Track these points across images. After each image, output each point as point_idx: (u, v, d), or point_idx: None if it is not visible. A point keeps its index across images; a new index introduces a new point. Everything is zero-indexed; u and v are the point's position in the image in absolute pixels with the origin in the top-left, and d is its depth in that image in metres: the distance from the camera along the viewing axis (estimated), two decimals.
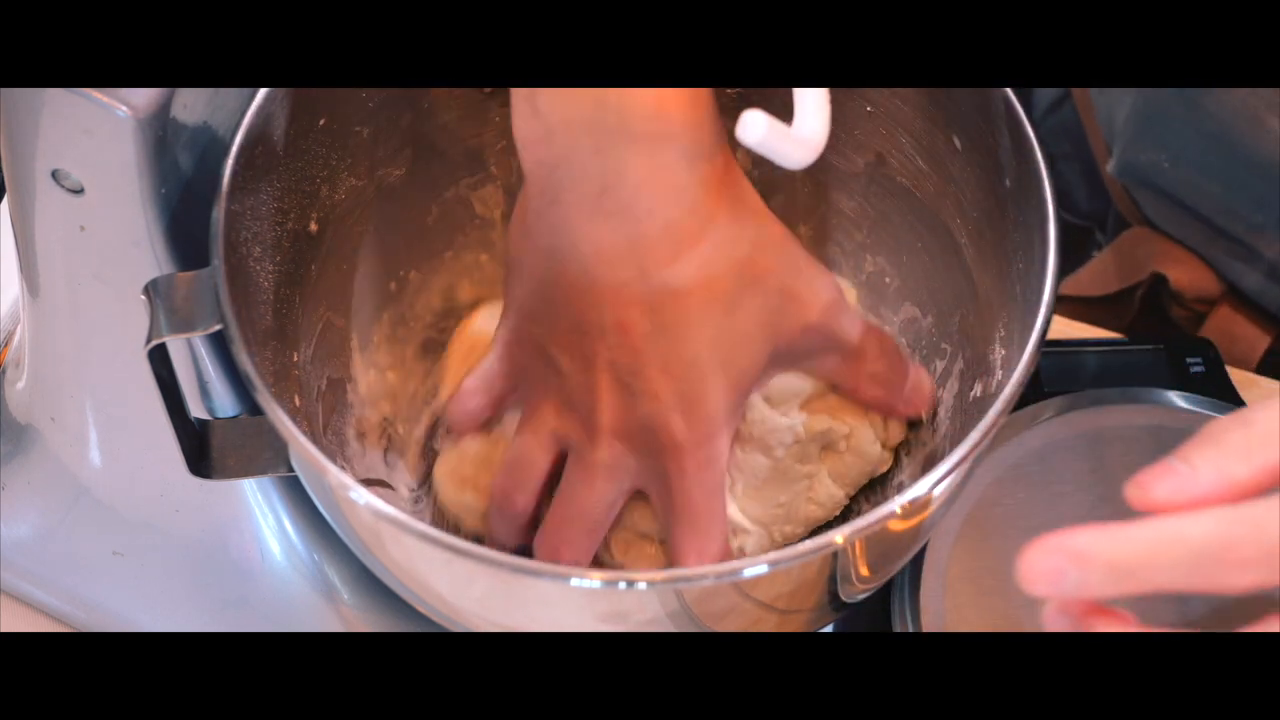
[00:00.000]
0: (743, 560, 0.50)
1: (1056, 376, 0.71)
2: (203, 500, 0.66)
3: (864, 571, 0.55)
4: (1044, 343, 0.54)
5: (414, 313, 0.69)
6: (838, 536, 0.50)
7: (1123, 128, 0.83)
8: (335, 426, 0.65)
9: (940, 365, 0.66)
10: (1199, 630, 0.49)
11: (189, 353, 0.60)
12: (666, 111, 0.54)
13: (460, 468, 0.65)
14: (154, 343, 0.55)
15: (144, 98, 0.53)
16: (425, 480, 0.68)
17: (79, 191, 0.56)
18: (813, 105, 0.53)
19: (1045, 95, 0.95)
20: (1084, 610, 0.47)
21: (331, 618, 0.68)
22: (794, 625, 0.58)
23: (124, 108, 0.53)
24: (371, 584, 0.65)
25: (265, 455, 0.60)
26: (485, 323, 0.67)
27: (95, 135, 0.54)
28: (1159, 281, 0.85)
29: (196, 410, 0.61)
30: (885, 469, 0.65)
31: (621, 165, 0.54)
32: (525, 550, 0.62)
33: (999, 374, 0.59)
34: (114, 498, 0.67)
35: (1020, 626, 0.62)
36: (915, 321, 0.68)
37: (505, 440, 0.63)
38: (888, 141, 0.65)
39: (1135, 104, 0.81)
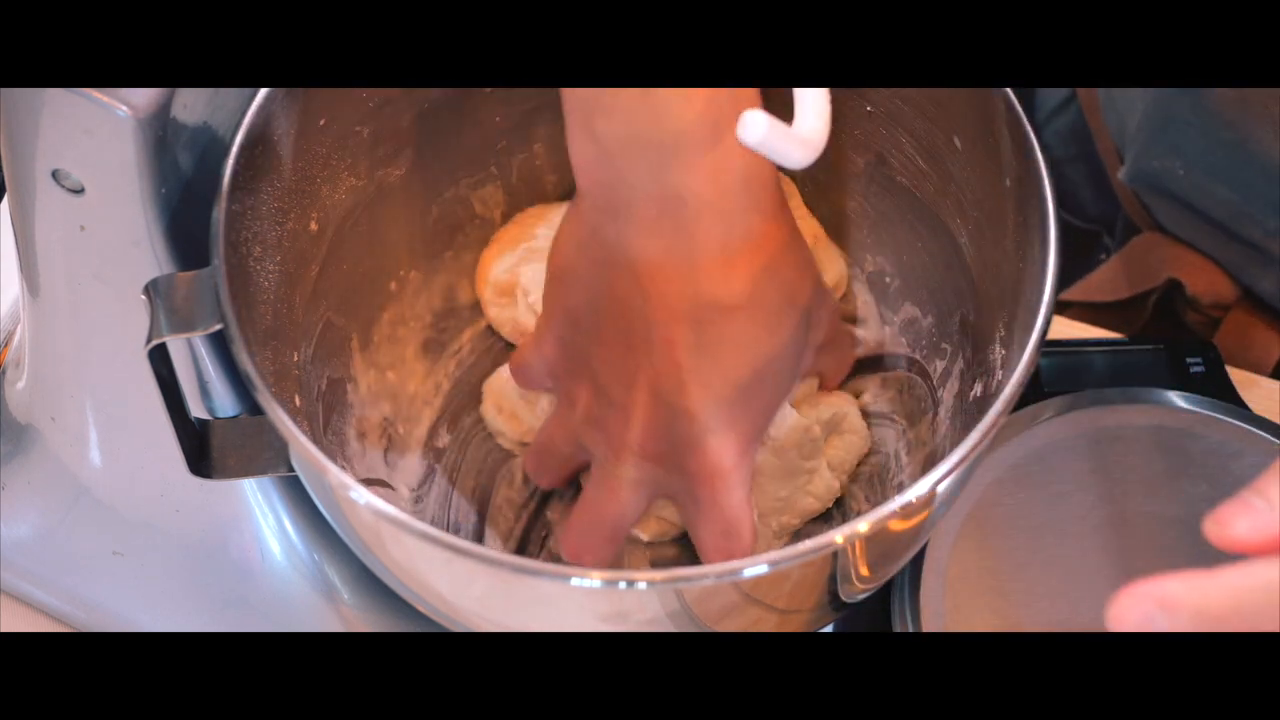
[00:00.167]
0: (743, 560, 0.50)
1: (1056, 376, 0.71)
2: (203, 500, 0.66)
3: (864, 571, 0.55)
4: (1044, 343, 0.54)
5: (414, 313, 0.69)
6: (838, 536, 0.50)
7: (1135, 134, 0.83)
8: (335, 426, 0.65)
9: (940, 365, 0.66)
10: None
11: (189, 353, 0.60)
12: (722, 134, 0.54)
13: (502, 398, 0.68)
14: (154, 343, 0.55)
15: (144, 98, 0.53)
16: (425, 480, 0.68)
17: (79, 191, 0.56)
18: (813, 105, 0.53)
19: (1050, 98, 0.95)
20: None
21: (331, 618, 0.68)
22: (794, 625, 0.58)
23: (124, 108, 0.53)
24: (371, 584, 0.65)
25: (265, 455, 0.60)
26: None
27: (95, 135, 0.54)
28: (1173, 287, 0.84)
29: (196, 410, 0.61)
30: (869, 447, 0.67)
31: (680, 188, 0.55)
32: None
33: (999, 374, 0.59)
34: (114, 498, 0.67)
35: (1020, 626, 0.62)
36: (915, 321, 0.68)
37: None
38: (888, 141, 0.65)
39: (1148, 110, 0.81)
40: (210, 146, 0.57)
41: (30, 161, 0.56)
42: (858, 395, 0.69)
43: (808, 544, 0.50)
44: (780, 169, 0.55)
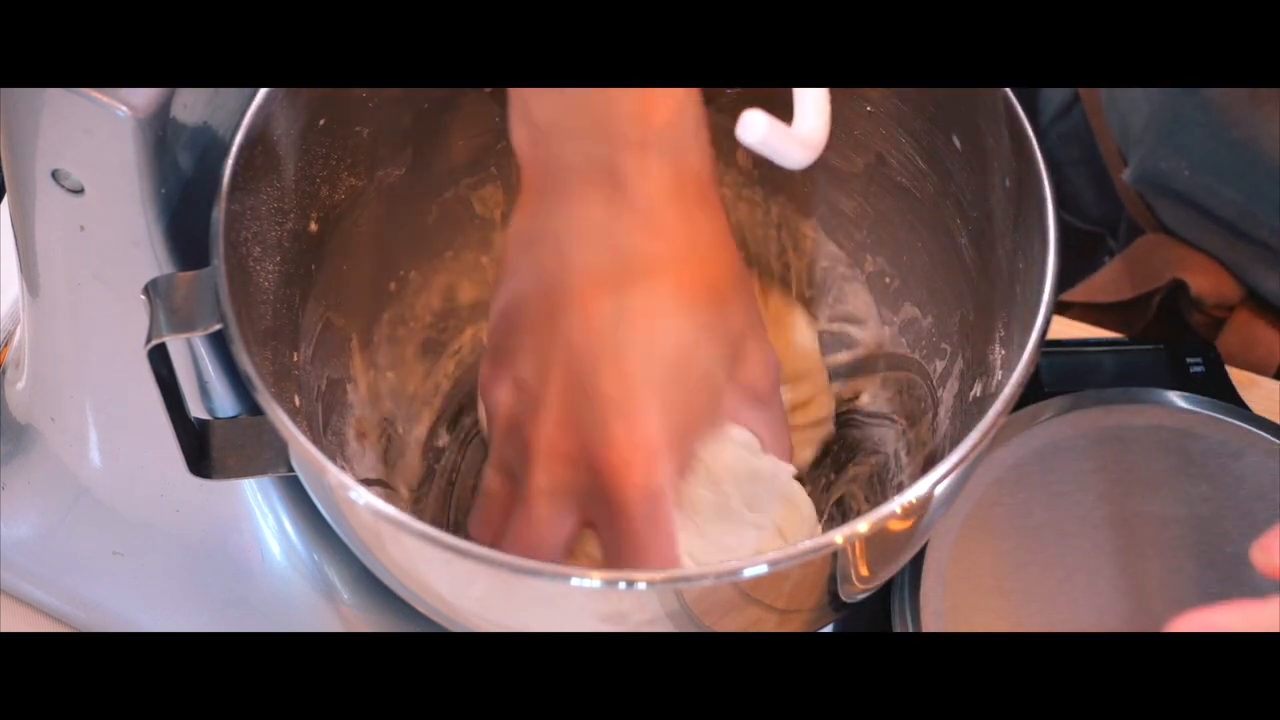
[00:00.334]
0: (743, 560, 0.50)
1: (1056, 376, 0.71)
2: (203, 500, 0.66)
3: (864, 571, 0.55)
4: (1044, 343, 0.54)
5: (414, 313, 0.69)
6: (837, 536, 0.50)
7: (1140, 135, 0.83)
8: (335, 426, 0.65)
9: (940, 365, 0.66)
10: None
11: (189, 353, 0.60)
12: (650, 115, 0.54)
13: None
14: (154, 343, 0.55)
15: (144, 98, 0.53)
16: (425, 480, 0.68)
17: (79, 191, 0.56)
18: (813, 105, 0.53)
19: (1053, 100, 0.95)
20: None
21: (331, 618, 0.68)
22: (794, 625, 0.58)
23: (124, 108, 0.53)
24: (371, 584, 0.65)
25: (265, 455, 0.60)
26: None
27: (95, 135, 0.54)
28: (1177, 288, 0.84)
29: (196, 410, 0.61)
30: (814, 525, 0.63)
31: (609, 165, 0.55)
32: None
33: (999, 374, 0.59)
34: (114, 498, 0.67)
35: (1020, 626, 0.62)
36: (915, 321, 0.68)
37: None
38: (888, 141, 0.65)
39: (1154, 111, 0.81)
40: (210, 146, 0.57)
41: (30, 161, 0.56)
42: (857, 395, 0.69)
43: (807, 544, 0.50)
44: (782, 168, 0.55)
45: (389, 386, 0.68)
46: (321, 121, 0.61)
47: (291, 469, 0.58)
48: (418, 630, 0.66)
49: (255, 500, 0.66)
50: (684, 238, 0.56)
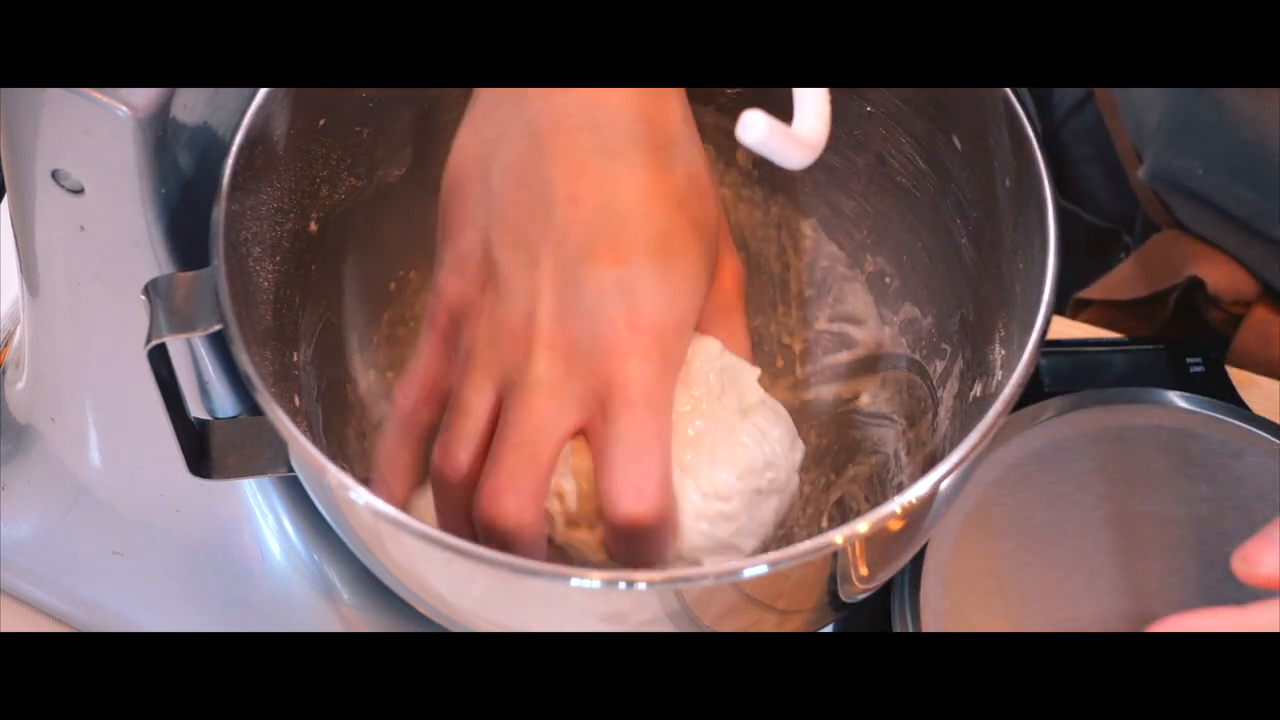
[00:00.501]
0: (743, 560, 0.50)
1: (1056, 376, 0.71)
2: (203, 500, 0.66)
3: (864, 571, 0.55)
4: (1044, 343, 0.54)
5: (414, 313, 0.69)
6: (837, 536, 0.50)
7: (1154, 133, 0.83)
8: (335, 427, 0.65)
9: (940, 365, 0.66)
10: None
11: (189, 353, 0.60)
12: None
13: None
14: (154, 343, 0.55)
15: (144, 98, 0.53)
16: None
17: (79, 191, 0.56)
18: (813, 105, 0.53)
19: (1067, 97, 0.95)
20: None
21: (331, 618, 0.68)
22: (794, 625, 0.58)
23: (124, 108, 0.53)
24: (371, 584, 0.65)
25: (265, 455, 0.60)
26: None
27: (95, 135, 0.54)
28: (1194, 284, 0.84)
29: (196, 410, 0.61)
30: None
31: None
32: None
33: (999, 374, 0.59)
34: (114, 498, 0.67)
35: (1020, 626, 0.62)
36: (915, 321, 0.68)
37: None
38: (888, 141, 0.65)
39: (1167, 110, 0.81)
40: (210, 146, 0.57)
41: (30, 161, 0.56)
42: (857, 395, 0.69)
43: (807, 544, 0.50)
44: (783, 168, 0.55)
45: (389, 387, 0.68)
46: (321, 121, 0.61)
47: (291, 469, 0.58)
48: (418, 630, 0.66)
49: (255, 500, 0.66)
50: (670, 123, 0.55)
